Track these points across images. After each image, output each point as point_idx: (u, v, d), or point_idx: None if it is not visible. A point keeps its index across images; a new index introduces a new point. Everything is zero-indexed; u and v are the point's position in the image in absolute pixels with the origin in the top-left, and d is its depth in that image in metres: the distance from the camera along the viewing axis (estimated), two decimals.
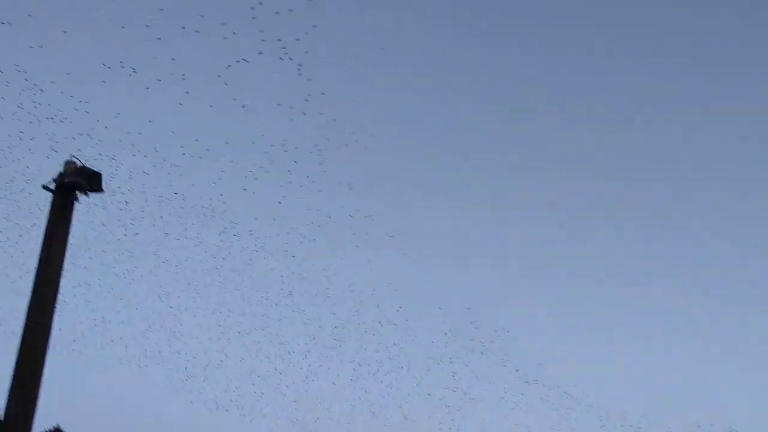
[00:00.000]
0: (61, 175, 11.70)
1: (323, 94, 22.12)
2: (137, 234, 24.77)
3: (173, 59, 19.69)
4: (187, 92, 19.67)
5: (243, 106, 20.86)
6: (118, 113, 18.44)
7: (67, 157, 11.92)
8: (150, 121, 20.05)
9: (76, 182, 11.65)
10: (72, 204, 11.80)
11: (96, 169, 11.86)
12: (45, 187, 11.76)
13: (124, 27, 19.22)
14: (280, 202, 26.81)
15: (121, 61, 18.16)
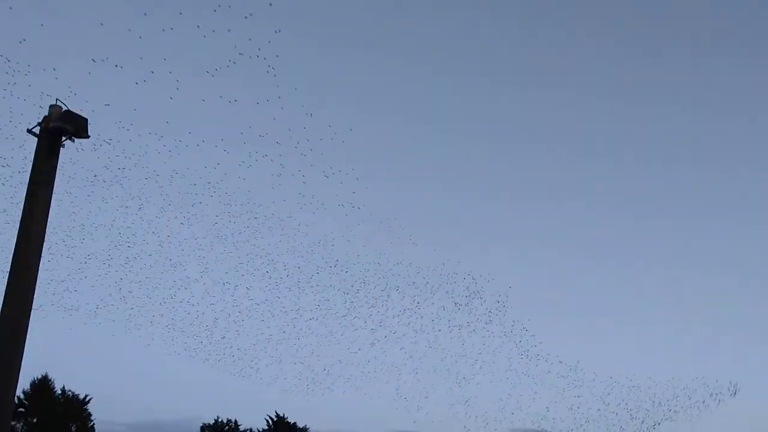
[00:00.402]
0: (45, 119, 11.45)
1: (296, 89, 23.48)
2: (141, 207, 25.54)
3: (164, 59, 20.54)
4: (177, 88, 20.51)
5: (236, 100, 21.95)
6: (107, 104, 18.87)
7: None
8: (135, 110, 20.62)
9: (61, 127, 11.43)
10: (58, 149, 11.58)
11: (82, 114, 11.66)
12: (30, 132, 11.52)
13: (102, 24, 19.63)
14: (273, 188, 28.31)
15: (105, 57, 18.49)
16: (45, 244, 11.26)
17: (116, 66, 18.64)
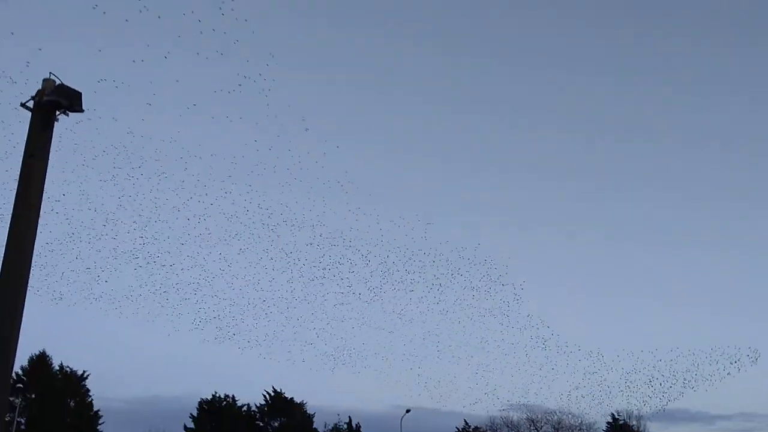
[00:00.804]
0: (39, 92, 11.29)
1: (289, 106, 25.57)
2: (156, 208, 26.85)
3: (177, 80, 22.19)
4: (188, 107, 22.73)
5: (240, 118, 23.93)
6: (115, 119, 19.98)
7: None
8: (143, 119, 21.85)
9: (55, 101, 11.26)
10: (52, 123, 11.42)
11: (76, 89, 11.50)
12: (23, 106, 11.35)
13: (100, 50, 20.68)
14: (282, 193, 30.80)
15: (113, 79, 19.35)
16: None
17: (117, 86, 19.40)
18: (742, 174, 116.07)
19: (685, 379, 55.29)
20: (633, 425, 70.76)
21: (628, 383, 56.27)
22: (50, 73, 11.39)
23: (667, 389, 56.06)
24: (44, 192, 11.15)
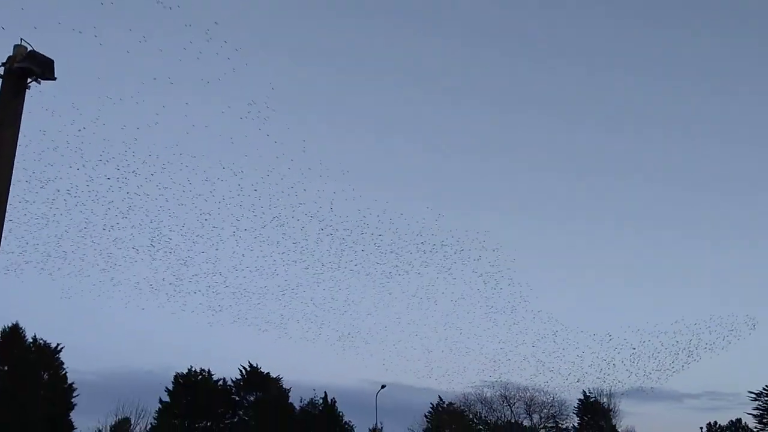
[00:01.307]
0: (10, 59, 11.00)
1: (288, 128, 28.90)
2: (165, 207, 27.81)
3: (186, 103, 23.28)
4: (193, 125, 23.79)
5: (245, 136, 25.68)
6: (123, 126, 20.84)
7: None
8: (154, 123, 22.64)
9: (27, 68, 10.98)
10: (23, 92, 11.14)
11: (48, 56, 11.22)
12: None
13: (99, 78, 21.39)
14: (289, 196, 32.93)
15: (119, 98, 19.87)
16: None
17: (115, 103, 19.80)
18: (735, 158, 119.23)
19: (688, 350, 56.79)
20: (603, 402, 71.99)
21: (634, 360, 57.63)
22: (21, 39, 11.09)
23: (672, 361, 57.58)
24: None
